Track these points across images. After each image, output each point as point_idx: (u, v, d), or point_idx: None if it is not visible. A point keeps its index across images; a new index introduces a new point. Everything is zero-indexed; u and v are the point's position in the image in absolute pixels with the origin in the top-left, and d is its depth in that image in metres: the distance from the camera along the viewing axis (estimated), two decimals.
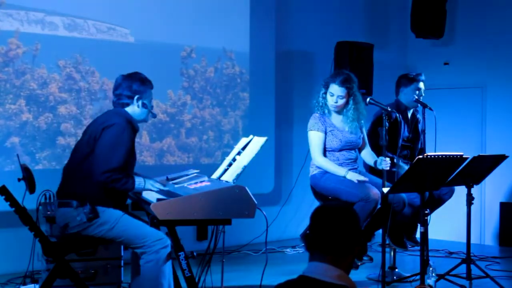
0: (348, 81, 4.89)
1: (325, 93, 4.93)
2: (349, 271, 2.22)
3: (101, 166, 3.67)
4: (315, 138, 4.91)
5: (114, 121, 3.76)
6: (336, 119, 4.97)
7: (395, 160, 5.07)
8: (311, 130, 4.93)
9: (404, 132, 5.35)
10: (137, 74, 3.96)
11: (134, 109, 3.91)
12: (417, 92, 5.32)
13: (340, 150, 4.93)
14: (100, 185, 3.70)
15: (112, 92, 4.01)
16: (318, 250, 2.19)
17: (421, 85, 5.36)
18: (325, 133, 4.91)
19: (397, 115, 5.12)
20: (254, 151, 4.06)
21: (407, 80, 5.38)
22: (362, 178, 4.74)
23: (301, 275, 2.19)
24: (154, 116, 4.06)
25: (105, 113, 3.99)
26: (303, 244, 6.71)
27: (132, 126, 3.82)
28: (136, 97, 3.89)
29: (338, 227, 2.18)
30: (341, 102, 4.90)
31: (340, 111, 4.95)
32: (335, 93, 4.89)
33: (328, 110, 4.96)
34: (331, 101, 4.91)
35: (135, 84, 3.89)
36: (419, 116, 5.50)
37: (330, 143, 4.91)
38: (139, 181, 3.80)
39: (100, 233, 3.76)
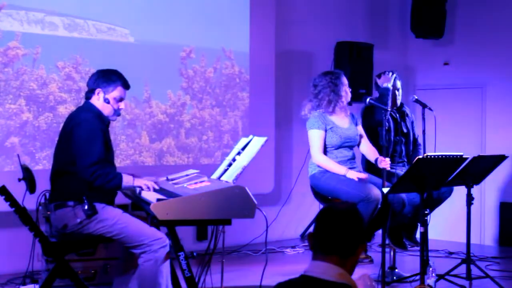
0: None
1: (339, 86, 5.00)
2: (351, 272, 2.22)
3: (83, 162, 3.72)
4: (315, 136, 4.92)
5: (81, 117, 3.83)
6: (335, 117, 4.99)
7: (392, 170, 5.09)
8: (311, 128, 4.94)
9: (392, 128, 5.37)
10: (110, 71, 4.00)
11: (95, 101, 3.95)
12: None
13: (339, 147, 4.95)
14: (86, 181, 3.72)
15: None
16: (321, 249, 2.20)
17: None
18: (325, 131, 4.93)
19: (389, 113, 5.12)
20: (254, 151, 4.06)
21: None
22: (362, 175, 4.75)
23: (302, 274, 2.20)
24: (118, 114, 4.05)
25: (73, 111, 4.05)
26: (303, 244, 6.71)
27: (101, 119, 3.88)
28: (97, 90, 3.92)
29: (342, 228, 2.19)
30: None
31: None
32: (346, 83, 5.10)
33: (334, 106, 4.98)
34: (347, 91, 5.04)
35: (101, 78, 3.94)
36: (407, 110, 5.52)
37: (330, 140, 4.93)
38: (127, 180, 3.83)
39: (99, 230, 3.77)
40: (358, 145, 5.11)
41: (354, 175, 4.75)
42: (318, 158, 4.89)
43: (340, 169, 4.81)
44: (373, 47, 7.21)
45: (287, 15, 7.17)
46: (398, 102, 5.44)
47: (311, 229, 6.46)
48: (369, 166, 5.22)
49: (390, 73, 5.36)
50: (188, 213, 3.58)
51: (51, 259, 4.15)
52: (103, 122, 3.90)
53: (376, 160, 4.93)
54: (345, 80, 5.09)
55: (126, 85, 3.99)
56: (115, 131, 5.73)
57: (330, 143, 4.94)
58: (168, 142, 6.16)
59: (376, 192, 4.62)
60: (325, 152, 4.96)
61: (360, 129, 5.12)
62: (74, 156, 3.77)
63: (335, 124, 4.97)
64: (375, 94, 5.60)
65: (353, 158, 5.03)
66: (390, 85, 5.29)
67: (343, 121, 5.02)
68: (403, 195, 4.88)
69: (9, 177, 4.54)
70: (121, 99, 3.97)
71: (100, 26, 5.76)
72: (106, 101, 3.93)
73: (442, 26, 7.55)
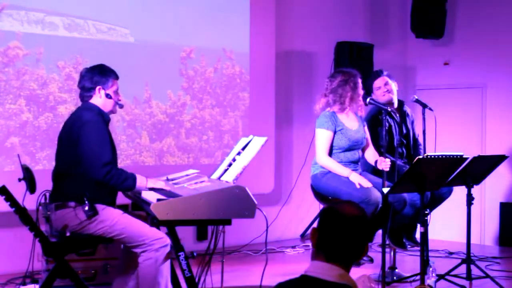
0: None
1: (357, 84, 4.94)
2: (349, 270, 2.22)
3: (95, 163, 3.72)
4: (323, 136, 4.86)
5: (86, 117, 3.81)
6: (345, 118, 4.94)
7: (396, 162, 5.06)
8: (320, 128, 4.87)
9: (396, 130, 5.33)
10: (99, 66, 4.00)
11: (97, 100, 3.94)
12: (377, 91, 5.27)
13: (346, 150, 4.89)
14: (99, 182, 3.72)
15: (77, 86, 4.05)
16: (325, 256, 2.18)
17: (378, 82, 5.27)
18: (335, 132, 4.87)
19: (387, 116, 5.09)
20: (254, 151, 4.06)
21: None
22: (365, 182, 4.68)
23: (303, 275, 2.19)
24: (121, 106, 4.06)
25: (74, 111, 4.02)
26: (303, 244, 6.71)
27: (103, 117, 3.88)
28: (97, 87, 3.92)
29: (349, 239, 2.16)
30: None
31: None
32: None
33: (356, 104, 4.93)
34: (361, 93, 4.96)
35: (96, 75, 3.93)
36: (408, 110, 5.48)
37: (339, 142, 4.87)
38: (140, 180, 3.82)
39: (100, 230, 3.77)
40: (363, 150, 5.06)
41: (357, 179, 4.70)
42: (322, 159, 4.85)
43: (344, 171, 4.78)
44: (373, 47, 7.21)
45: (287, 15, 7.17)
46: (394, 100, 5.34)
47: (311, 229, 6.46)
48: (372, 167, 5.20)
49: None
50: (188, 213, 3.58)
51: (51, 259, 4.14)
52: (105, 120, 3.91)
53: (376, 162, 4.91)
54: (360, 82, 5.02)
55: (117, 76, 4.02)
56: (115, 131, 5.73)
57: (338, 145, 4.88)
58: (168, 142, 6.16)
59: (376, 195, 4.60)
60: (330, 153, 4.91)
61: (366, 131, 5.08)
62: (80, 157, 3.76)
63: (345, 126, 4.89)
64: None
65: (357, 161, 4.97)
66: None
67: (352, 123, 4.95)
68: (405, 195, 4.87)
69: (9, 177, 4.54)
70: (117, 90, 4.00)
71: (100, 26, 5.76)
72: (108, 96, 3.93)
73: (442, 26, 7.55)
